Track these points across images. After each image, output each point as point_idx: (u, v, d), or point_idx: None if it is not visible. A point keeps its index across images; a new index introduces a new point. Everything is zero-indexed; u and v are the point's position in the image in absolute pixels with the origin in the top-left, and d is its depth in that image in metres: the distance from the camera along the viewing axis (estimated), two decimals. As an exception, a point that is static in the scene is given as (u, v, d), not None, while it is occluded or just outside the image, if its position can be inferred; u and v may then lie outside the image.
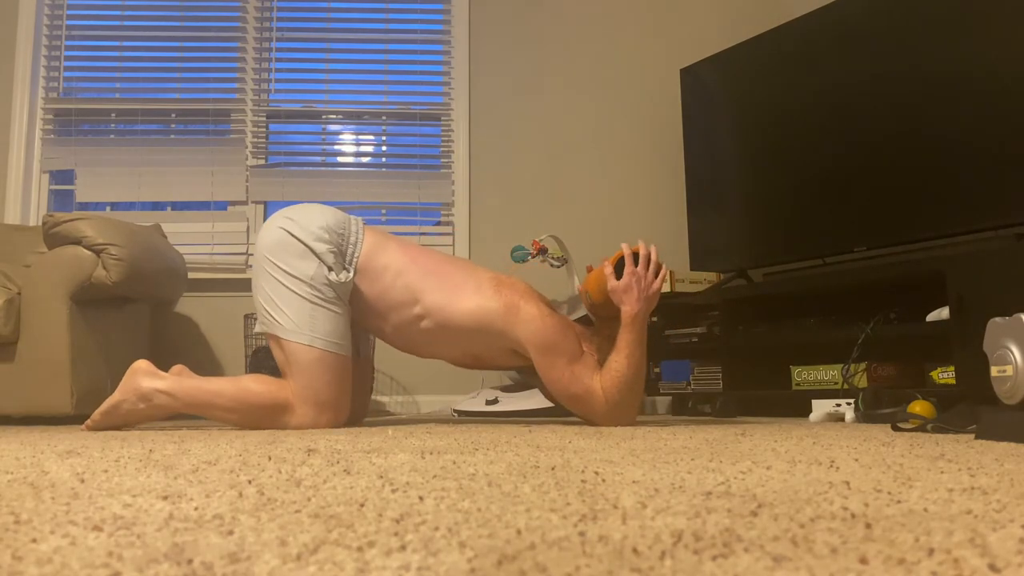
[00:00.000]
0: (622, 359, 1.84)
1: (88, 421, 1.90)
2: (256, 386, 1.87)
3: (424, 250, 2.08)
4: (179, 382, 1.87)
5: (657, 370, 2.96)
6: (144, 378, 1.86)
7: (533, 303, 1.95)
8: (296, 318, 1.86)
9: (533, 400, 2.67)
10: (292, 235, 1.91)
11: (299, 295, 1.87)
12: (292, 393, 1.85)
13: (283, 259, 1.90)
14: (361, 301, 1.96)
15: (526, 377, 2.83)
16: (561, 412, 2.34)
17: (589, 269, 2.05)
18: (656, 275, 1.86)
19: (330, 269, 1.90)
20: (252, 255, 1.98)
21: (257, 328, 1.99)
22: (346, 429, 1.84)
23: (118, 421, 1.88)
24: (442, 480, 0.77)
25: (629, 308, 1.84)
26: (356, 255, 1.95)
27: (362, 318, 1.99)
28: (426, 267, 1.99)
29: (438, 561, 0.41)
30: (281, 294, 1.88)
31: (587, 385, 1.87)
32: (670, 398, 3.09)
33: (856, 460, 0.94)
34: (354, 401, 2.01)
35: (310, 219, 1.94)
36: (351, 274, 1.93)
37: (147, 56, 3.60)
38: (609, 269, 1.88)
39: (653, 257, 1.88)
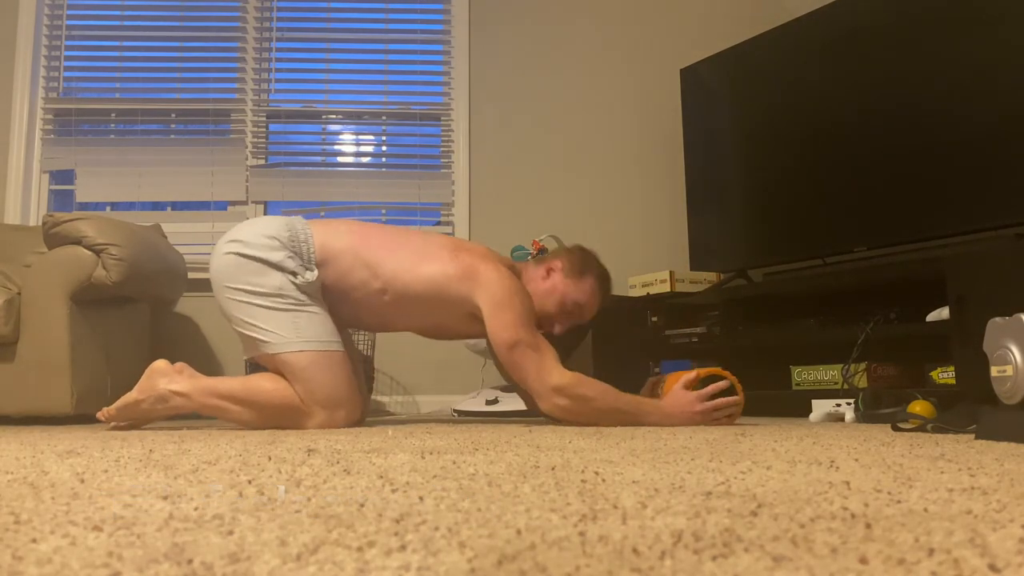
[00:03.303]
0: (618, 397, 1.82)
1: (103, 412, 1.92)
2: (269, 384, 1.87)
3: (376, 226, 2.07)
4: (194, 384, 1.87)
5: (657, 370, 2.96)
6: (162, 379, 1.88)
7: (491, 264, 1.93)
8: (279, 330, 1.85)
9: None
10: (244, 255, 1.89)
11: (274, 309, 1.87)
12: (301, 399, 1.85)
13: (244, 281, 1.88)
14: (329, 292, 1.95)
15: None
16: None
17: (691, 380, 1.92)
18: (710, 415, 1.83)
19: (294, 274, 1.89)
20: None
21: (245, 355, 1.98)
22: (346, 429, 1.84)
23: (135, 417, 1.91)
24: (442, 480, 0.77)
25: (673, 411, 1.82)
26: (312, 251, 1.94)
27: (334, 308, 1.98)
28: (380, 242, 1.98)
29: (438, 561, 0.41)
30: (257, 314, 1.87)
31: (537, 343, 1.83)
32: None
33: (856, 460, 0.94)
34: None
35: (255, 233, 1.92)
36: (315, 271, 1.92)
37: (147, 56, 3.60)
38: (690, 380, 1.85)
39: (732, 409, 1.86)
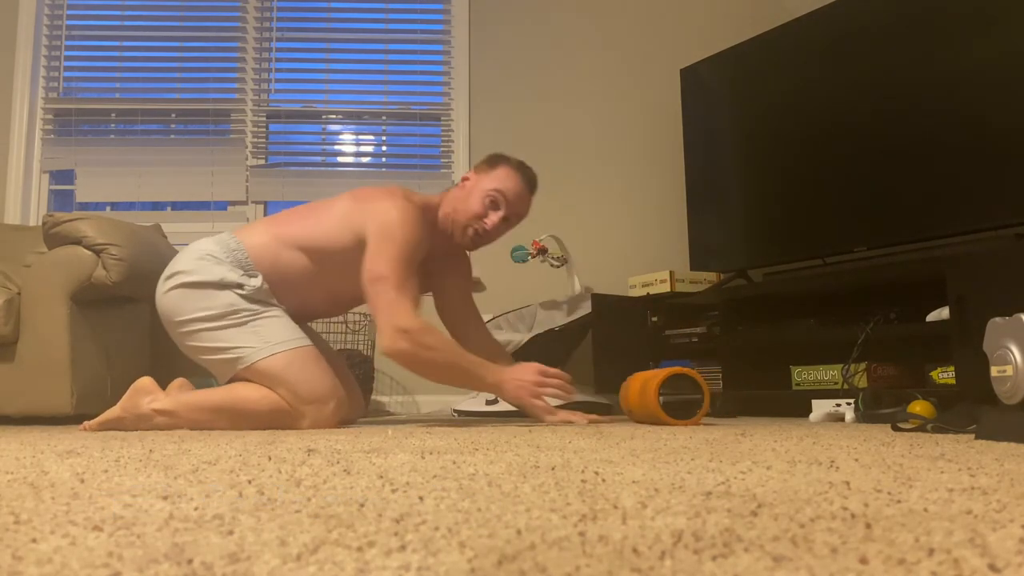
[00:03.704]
0: (461, 355, 1.83)
1: (86, 424, 1.89)
2: (254, 393, 1.84)
3: (290, 209, 2.08)
4: (178, 401, 1.84)
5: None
6: (145, 397, 1.85)
7: (388, 197, 1.92)
8: (245, 343, 1.84)
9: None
10: (187, 284, 1.88)
11: (232, 326, 1.85)
12: (288, 403, 1.84)
13: (195, 310, 1.87)
14: (276, 291, 1.94)
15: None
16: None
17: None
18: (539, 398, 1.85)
19: (239, 285, 1.88)
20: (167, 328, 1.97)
21: (223, 380, 1.93)
22: (346, 429, 1.83)
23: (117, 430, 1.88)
24: (442, 480, 0.77)
25: (508, 378, 1.85)
26: (246, 255, 1.93)
27: (287, 307, 1.96)
28: (292, 218, 1.99)
29: (438, 561, 0.41)
30: (217, 337, 1.86)
31: (403, 284, 1.81)
32: (670, 398, 3.09)
33: (856, 460, 0.94)
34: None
35: (189, 260, 1.92)
36: (258, 276, 1.90)
37: (147, 56, 3.60)
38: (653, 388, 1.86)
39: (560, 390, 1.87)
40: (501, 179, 2.01)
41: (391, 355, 1.82)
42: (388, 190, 1.96)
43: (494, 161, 2.05)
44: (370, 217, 1.89)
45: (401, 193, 1.95)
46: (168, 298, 1.91)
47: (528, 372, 1.88)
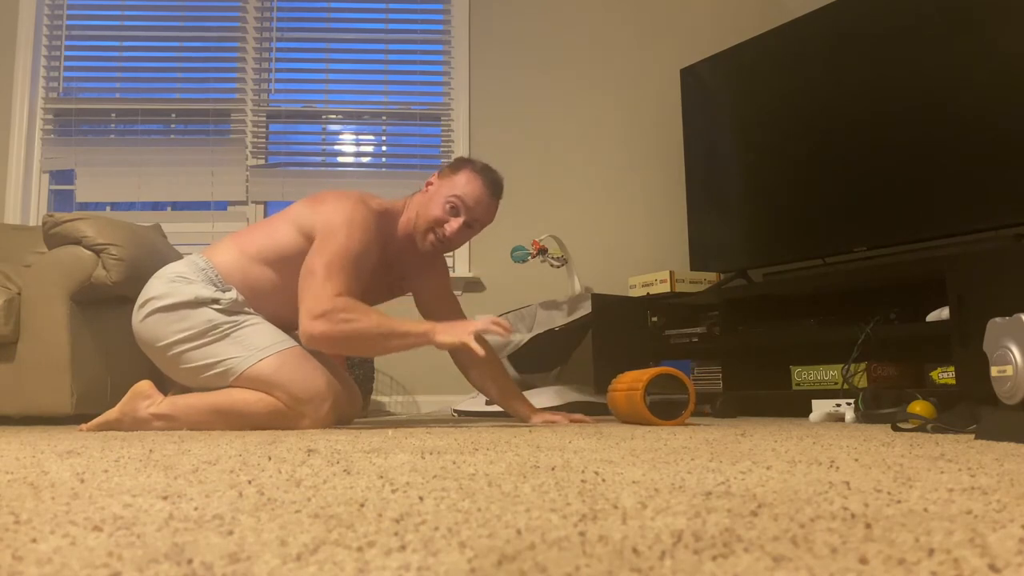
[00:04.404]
0: (385, 322, 1.79)
1: (84, 425, 1.89)
2: (252, 396, 1.84)
3: (253, 225, 2.08)
4: (175, 405, 1.84)
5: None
6: (143, 401, 1.85)
7: (341, 198, 1.91)
8: (232, 354, 1.84)
9: (533, 400, 2.66)
10: (162, 308, 1.88)
11: (215, 341, 1.85)
12: (285, 405, 1.83)
13: (175, 332, 1.86)
14: (250, 306, 1.93)
15: (525, 376, 2.83)
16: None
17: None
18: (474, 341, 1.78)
19: (215, 300, 1.87)
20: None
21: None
22: (346, 429, 1.83)
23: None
24: (442, 480, 0.77)
25: (446, 327, 1.82)
26: (217, 273, 1.92)
27: (265, 317, 1.94)
28: (255, 232, 1.99)
29: (438, 561, 0.41)
30: (204, 354, 1.85)
31: (333, 279, 1.79)
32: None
33: (856, 460, 0.94)
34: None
35: (161, 285, 1.91)
36: (232, 290, 1.90)
37: (147, 56, 3.60)
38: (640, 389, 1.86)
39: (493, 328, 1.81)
40: (462, 184, 1.98)
41: (311, 342, 1.80)
42: (342, 193, 1.94)
43: (457, 165, 2.02)
44: (318, 219, 1.88)
45: (356, 196, 1.94)
46: (145, 326, 1.90)
47: (461, 322, 1.87)
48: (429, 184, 2.05)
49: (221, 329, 1.85)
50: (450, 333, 1.80)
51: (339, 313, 1.77)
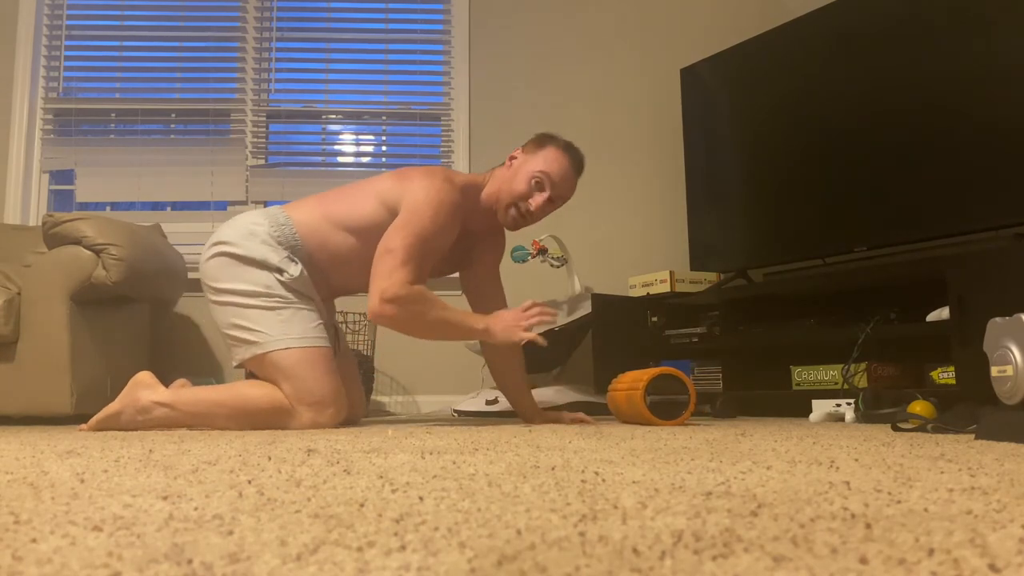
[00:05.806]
0: (449, 315, 1.84)
1: (85, 425, 1.89)
2: (253, 391, 1.86)
3: (335, 189, 2.09)
4: (178, 394, 1.85)
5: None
6: (144, 391, 1.85)
7: (428, 176, 1.93)
8: (267, 329, 1.86)
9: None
10: (230, 255, 1.90)
11: (262, 308, 1.87)
12: (288, 400, 1.84)
13: (232, 282, 1.89)
14: (316, 265, 1.96)
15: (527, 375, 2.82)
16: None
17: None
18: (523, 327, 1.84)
19: (279, 271, 1.89)
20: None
21: (234, 361, 1.94)
22: (346, 429, 1.83)
23: (116, 429, 1.87)
24: (442, 480, 0.77)
25: (498, 322, 1.86)
26: (294, 231, 1.95)
27: (326, 279, 1.99)
28: (336, 197, 2.01)
29: (438, 561, 0.41)
30: (245, 315, 1.87)
31: (409, 262, 1.83)
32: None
33: (856, 460, 0.94)
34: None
35: (237, 232, 1.93)
36: (299, 265, 1.92)
37: (147, 56, 3.60)
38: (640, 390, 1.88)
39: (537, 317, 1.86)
40: (548, 160, 2.00)
41: (378, 320, 1.84)
42: (429, 169, 1.98)
43: (542, 141, 2.05)
44: (407, 195, 1.91)
45: (441, 174, 1.96)
46: (210, 264, 1.94)
47: (510, 313, 1.89)
48: (512, 158, 2.06)
49: (272, 300, 1.88)
50: (507, 332, 1.85)
51: (410, 304, 1.81)
